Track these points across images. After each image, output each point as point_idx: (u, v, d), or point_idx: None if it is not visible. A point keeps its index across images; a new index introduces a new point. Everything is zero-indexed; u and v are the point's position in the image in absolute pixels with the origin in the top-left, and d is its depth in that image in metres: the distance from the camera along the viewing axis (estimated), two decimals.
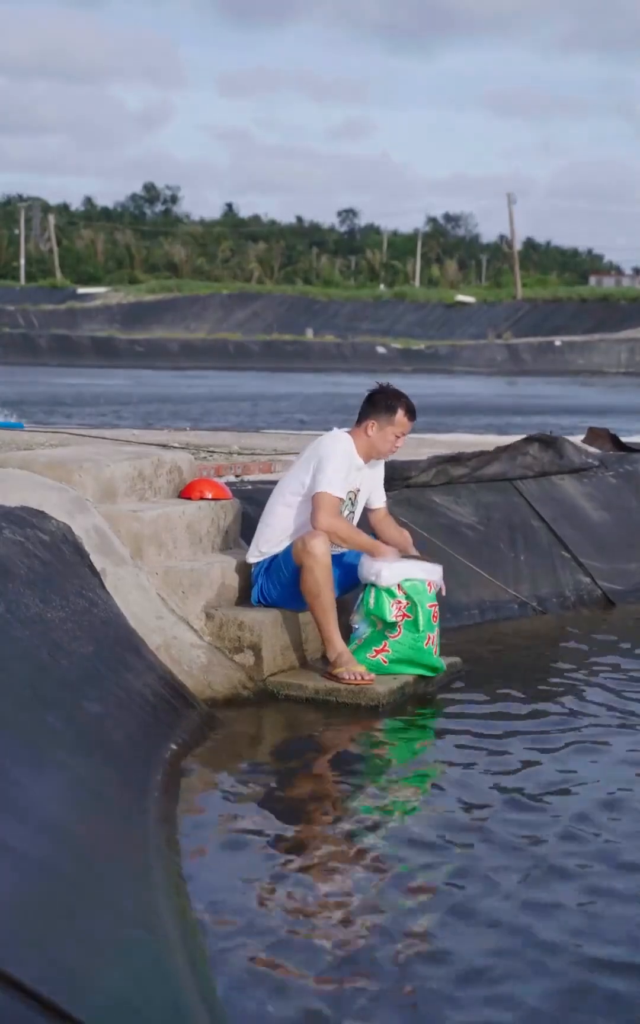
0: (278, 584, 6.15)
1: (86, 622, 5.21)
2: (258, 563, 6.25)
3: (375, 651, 6.12)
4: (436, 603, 6.21)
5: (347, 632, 6.16)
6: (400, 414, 6.24)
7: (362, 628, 6.18)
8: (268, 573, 6.19)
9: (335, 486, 6.06)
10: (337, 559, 6.09)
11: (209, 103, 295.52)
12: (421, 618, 6.11)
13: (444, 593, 6.29)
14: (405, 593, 6.10)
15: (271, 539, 6.22)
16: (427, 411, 28.75)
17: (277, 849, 4.25)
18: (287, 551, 6.11)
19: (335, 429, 6.34)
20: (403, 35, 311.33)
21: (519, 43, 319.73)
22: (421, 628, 6.12)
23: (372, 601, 6.13)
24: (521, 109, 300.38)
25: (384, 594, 6.10)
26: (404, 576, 6.12)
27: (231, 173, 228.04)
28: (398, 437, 6.28)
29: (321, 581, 5.94)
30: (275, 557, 6.18)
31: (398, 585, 6.09)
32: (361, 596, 6.18)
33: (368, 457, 6.30)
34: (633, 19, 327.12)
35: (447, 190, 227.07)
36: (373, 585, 6.11)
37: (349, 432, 6.27)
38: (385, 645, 6.12)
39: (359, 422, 6.29)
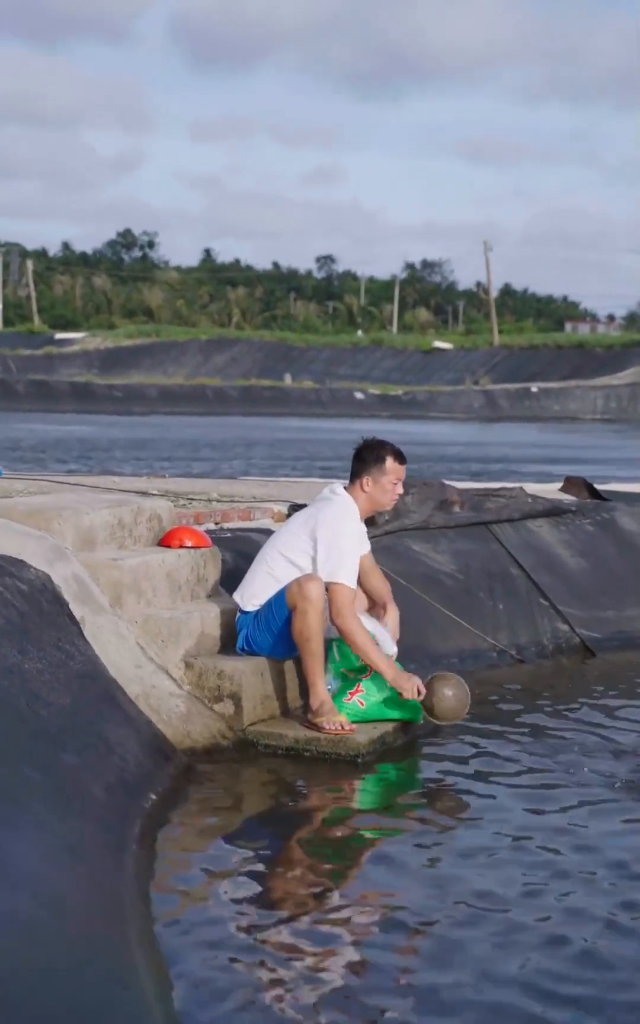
0: (269, 631, 6.12)
1: (64, 672, 5.18)
2: (246, 612, 6.22)
3: (350, 694, 6.15)
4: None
5: None
6: (390, 461, 6.26)
7: (333, 685, 6.21)
8: (257, 620, 6.16)
9: (351, 575, 6.08)
10: None
11: (181, 149, 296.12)
12: None
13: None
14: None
15: (271, 590, 6.17)
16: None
17: (254, 905, 4.21)
18: (279, 597, 6.08)
19: (339, 490, 6.32)
20: (371, 82, 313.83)
21: (487, 92, 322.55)
22: None
23: (337, 655, 6.23)
24: (491, 157, 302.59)
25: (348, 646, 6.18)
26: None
27: (206, 219, 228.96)
28: (395, 484, 6.30)
29: (313, 626, 5.92)
30: (265, 604, 6.15)
31: None
32: (327, 655, 6.21)
33: (370, 513, 6.38)
34: (598, 70, 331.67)
35: (420, 237, 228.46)
36: (337, 640, 6.18)
37: (346, 489, 6.29)
38: (358, 686, 6.17)
39: (353, 481, 6.31)
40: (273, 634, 6.10)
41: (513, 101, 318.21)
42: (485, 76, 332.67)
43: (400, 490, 6.37)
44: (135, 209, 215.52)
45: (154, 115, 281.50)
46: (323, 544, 6.08)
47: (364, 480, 6.26)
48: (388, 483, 6.27)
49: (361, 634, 6.04)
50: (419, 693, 6.06)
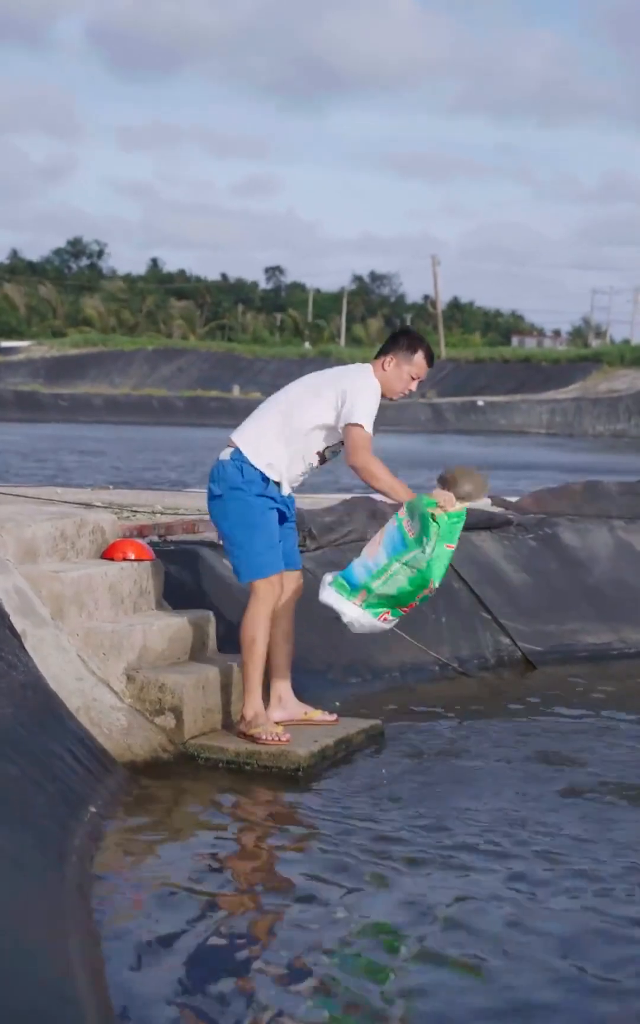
0: (223, 517, 6.09)
1: (5, 684, 5.18)
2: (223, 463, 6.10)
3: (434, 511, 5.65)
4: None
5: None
6: (420, 355, 6.17)
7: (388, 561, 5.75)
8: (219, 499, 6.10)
9: (369, 420, 5.97)
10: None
11: (111, 157, 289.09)
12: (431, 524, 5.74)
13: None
14: (398, 525, 5.79)
15: (265, 437, 6.07)
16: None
17: (193, 916, 4.23)
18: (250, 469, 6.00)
19: (358, 364, 6.26)
20: (294, 94, 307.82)
21: (410, 105, 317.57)
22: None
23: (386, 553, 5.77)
24: (421, 170, 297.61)
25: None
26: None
27: (144, 227, 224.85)
28: (413, 379, 6.20)
29: (260, 624, 5.94)
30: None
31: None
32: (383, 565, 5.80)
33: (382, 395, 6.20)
34: (520, 85, 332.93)
35: (360, 249, 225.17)
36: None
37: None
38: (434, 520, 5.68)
39: (377, 357, 6.20)
40: (228, 519, 6.07)
41: (437, 115, 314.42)
42: (407, 89, 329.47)
43: (413, 388, 6.26)
44: (74, 217, 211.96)
45: (82, 122, 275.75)
46: (348, 394, 6.00)
47: (388, 359, 6.14)
48: (407, 373, 6.16)
49: (379, 469, 5.87)
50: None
